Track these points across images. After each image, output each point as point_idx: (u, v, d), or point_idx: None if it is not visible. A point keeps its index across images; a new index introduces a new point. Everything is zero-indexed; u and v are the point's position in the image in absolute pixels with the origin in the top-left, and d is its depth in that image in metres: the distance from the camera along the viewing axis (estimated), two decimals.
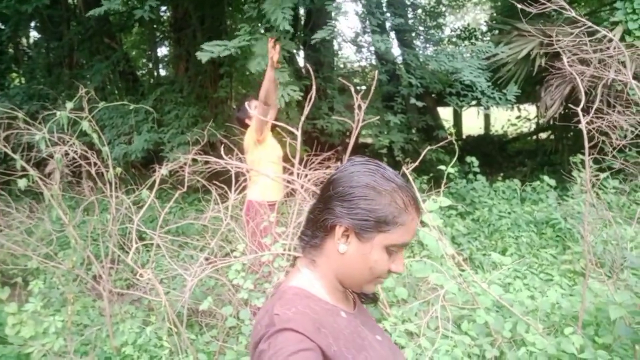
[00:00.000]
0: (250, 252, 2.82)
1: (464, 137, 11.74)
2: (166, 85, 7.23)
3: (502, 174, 6.49)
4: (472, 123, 13.82)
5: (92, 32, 7.96)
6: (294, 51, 6.90)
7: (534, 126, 10.12)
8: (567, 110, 6.18)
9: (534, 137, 10.22)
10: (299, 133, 2.41)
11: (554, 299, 2.42)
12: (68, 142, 2.81)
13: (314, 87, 2.69)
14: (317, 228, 0.93)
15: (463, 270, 2.44)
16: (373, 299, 1.06)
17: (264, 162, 3.24)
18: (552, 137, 8.84)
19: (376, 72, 3.19)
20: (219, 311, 2.83)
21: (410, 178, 2.43)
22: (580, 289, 3.05)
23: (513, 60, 5.93)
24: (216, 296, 3.08)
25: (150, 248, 3.94)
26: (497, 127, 11.73)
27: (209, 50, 3.80)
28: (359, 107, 2.55)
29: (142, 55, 12.78)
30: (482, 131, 13.08)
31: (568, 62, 5.13)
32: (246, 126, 3.54)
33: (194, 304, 3.01)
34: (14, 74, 11.10)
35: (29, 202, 3.44)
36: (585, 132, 2.11)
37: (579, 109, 2.15)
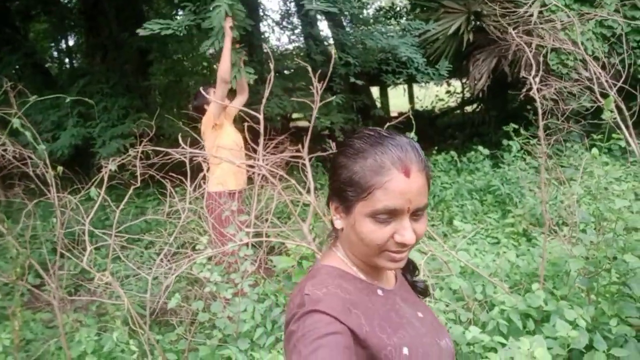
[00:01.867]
0: (214, 244, 2.73)
1: (392, 115, 12.07)
2: (87, 76, 6.73)
3: (436, 148, 6.76)
4: (398, 101, 14.23)
5: None
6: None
7: (459, 100, 10.61)
8: (491, 84, 6.55)
9: (461, 110, 10.72)
10: (261, 116, 2.34)
11: (513, 259, 2.57)
12: None
13: (252, 75, 2.64)
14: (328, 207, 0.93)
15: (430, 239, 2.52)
16: (423, 292, 1.03)
17: (222, 149, 3.13)
18: (478, 109, 9.32)
19: (333, 51, 3.13)
20: (187, 307, 2.73)
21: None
22: (526, 249, 3.29)
23: (443, 37, 6.15)
24: (181, 292, 2.96)
25: (101, 250, 3.71)
26: (424, 103, 12.16)
27: (150, 28, 3.59)
28: (317, 88, 2.51)
29: (48, 48, 11.79)
30: (406, 108, 13.53)
31: (496, 32, 5.40)
32: (204, 112, 3.41)
33: (155, 303, 2.87)
34: None
35: None
36: (538, 99, 2.23)
37: (531, 78, 2.26)
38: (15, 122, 2.59)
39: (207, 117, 3.31)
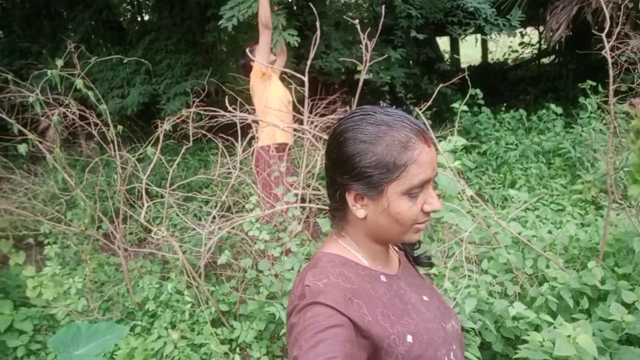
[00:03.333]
0: (263, 204, 2.79)
1: (462, 67, 11.42)
2: (154, 32, 6.90)
3: (505, 104, 6.34)
4: (470, 52, 13.40)
5: None
6: None
7: (536, 52, 9.81)
8: (572, 34, 5.95)
9: (536, 62, 9.92)
10: (305, 78, 2.29)
11: (572, 232, 2.41)
12: (63, 102, 2.70)
13: (294, 37, 2.56)
14: (333, 198, 0.89)
15: (478, 207, 2.42)
16: (429, 263, 1.01)
17: (272, 102, 3.12)
18: (555, 61, 8.59)
19: (383, 6, 2.95)
20: (236, 263, 2.84)
21: (424, 118, 2.34)
22: (593, 219, 3.06)
23: None
24: (231, 248, 3.09)
25: (159, 205, 3.93)
26: (496, 55, 11.38)
27: (231, 15, 3.48)
28: (366, 46, 2.41)
29: (121, 4, 12.14)
30: (479, 60, 12.72)
31: None
32: (250, 70, 3.39)
33: (210, 257, 3.02)
34: None
35: (27, 166, 3.37)
36: (609, 58, 2.00)
37: (603, 35, 2.02)
38: (78, 83, 2.72)
39: (255, 70, 3.28)
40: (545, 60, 9.67)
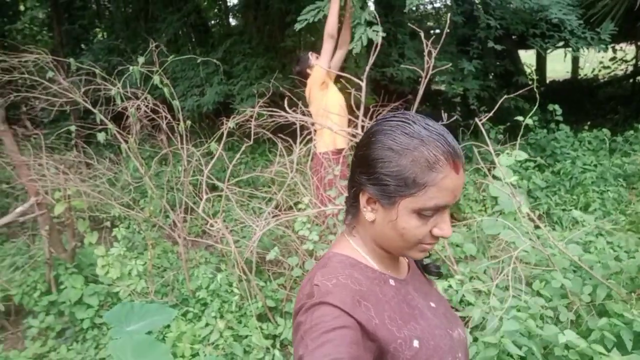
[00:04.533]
0: (316, 205, 2.84)
1: (547, 82, 10.82)
2: (235, 35, 7.24)
3: (589, 123, 5.93)
4: (559, 67, 12.65)
5: None
6: None
7: (631, 68, 9.07)
8: None
9: (631, 80, 9.17)
10: (363, 83, 2.31)
11: None
12: (141, 96, 2.92)
13: (379, 33, 2.56)
14: (349, 195, 0.89)
15: (537, 228, 2.29)
16: (437, 273, 0.99)
17: (332, 108, 3.17)
18: None
19: (449, 15, 2.90)
20: (285, 261, 2.91)
21: (483, 129, 2.26)
22: None
23: None
24: (283, 246, 3.16)
25: (220, 199, 4.11)
26: (586, 71, 10.66)
27: (304, 18, 3.64)
28: (429, 53, 2.38)
29: (213, 6, 12.87)
30: (568, 76, 11.97)
31: None
32: (307, 77, 3.48)
33: (262, 253, 3.12)
34: (97, 29, 11.67)
35: (109, 155, 3.67)
36: None
37: None
38: (156, 79, 2.94)
39: (313, 78, 3.34)
40: None
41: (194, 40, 8.37)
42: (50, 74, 2.90)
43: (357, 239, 0.91)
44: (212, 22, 12.00)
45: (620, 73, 9.33)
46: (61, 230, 3.59)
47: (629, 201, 3.85)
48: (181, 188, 2.95)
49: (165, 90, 3.01)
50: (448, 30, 2.43)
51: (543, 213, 3.86)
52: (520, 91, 3.02)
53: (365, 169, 0.83)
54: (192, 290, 3.14)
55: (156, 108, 2.97)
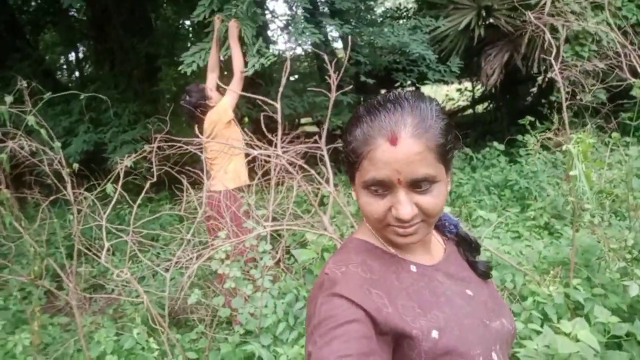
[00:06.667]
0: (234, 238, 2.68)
1: None
2: (99, 82, 6.76)
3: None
4: None
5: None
6: None
7: (470, 100, 10.53)
8: (504, 79, 6.48)
9: (472, 110, 10.63)
10: (278, 105, 2.30)
11: (540, 249, 2.49)
12: (13, 138, 2.52)
13: (288, 62, 2.63)
14: None
15: None
16: (483, 273, 0.93)
17: (236, 142, 3.09)
18: (489, 108, 9.24)
19: (346, 51, 3.07)
20: (203, 305, 2.67)
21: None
22: (549, 242, 3.19)
23: (454, 32, 6.09)
24: (199, 289, 2.91)
25: (118, 253, 3.68)
26: None
27: (192, 61, 3.62)
28: (333, 80, 2.47)
29: (57, 59, 11.90)
30: None
31: (507, 27, 5.32)
32: (202, 112, 3.32)
33: (171, 302, 2.83)
34: None
35: None
36: (561, 82, 2.16)
37: (551, 58, 2.19)
38: (30, 120, 2.57)
39: (219, 113, 3.24)
40: (479, 107, 10.38)
41: (48, 90, 7.59)
42: None
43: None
44: (60, 74, 11.11)
45: (462, 104, 10.75)
46: None
47: (501, 206, 4.36)
48: (73, 240, 2.56)
49: (43, 132, 2.65)
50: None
51: None
52: None
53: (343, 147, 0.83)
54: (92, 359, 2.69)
55: (32, 152, 2.58)
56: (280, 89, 2.43)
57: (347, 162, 0.80)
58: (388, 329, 0.73)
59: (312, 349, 0.70)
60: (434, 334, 0.75)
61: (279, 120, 2.30)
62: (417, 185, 0.75)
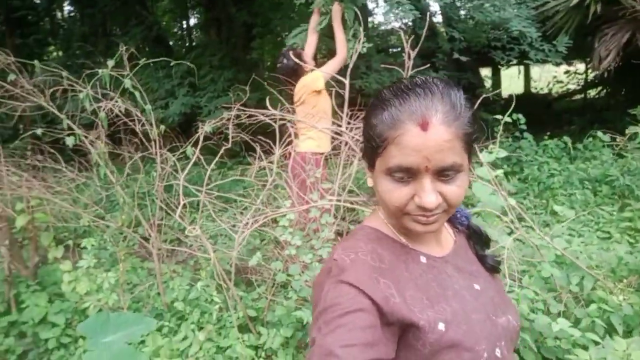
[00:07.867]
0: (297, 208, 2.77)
1: (504, 97, 11.25)
2: (200, 49, 7.18)
3: (548, 133, 6.15)
4: (511, 85, 13.24)
5: (125, 0, 7.94)
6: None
7: (582, 83, 9.57)
8: (621, 63, 5.78)
9: (582, 95, 9.67)
10: (347, 81, 2.30)
11: (621, 254, 2.27)
12: (111, 98, 2.80)
13: (360, 42, 2.61)
14: None
15: (522, 220, 2.31)
16: (492, 267, 0.91)
17: (322, 112, 3.17)
18: (602, 93, 8.34)
19: (407, 38, 2.93)
20: (267, 267, 2.82)
21: None
22: None
23: (565, 8, 5.53)
24: (264, 252, 3.07)
25: (196, 206, 3.97)
26: (539, 85, 11.16)
27: (293, 42, 3.83)
28: (408, 54, 2.40)
29: (172, 25, 12.75)
30: (520, 91, 12.49)
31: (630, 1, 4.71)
32: (298, 76, 3.41)
33: (241, 261, 3.01)
34: (52, 47, 11.29)
35: (78, 161, 3.47)
36: None
37: None
38: (127, 83, 2.82)
39: (311, 81, 3.29)
40: (591, 92, 9.41)
41: (156, 54, 8.22)
42: (12, 77, 2.73)
43: (382, 210, 0.86)
44: (173, 39, 11.90)
45: (572, 87, 9.82)
46: (22, 245, 3.36)
47: (596, 203, 3.99)
48: (156, 195, 2.81)
49: (137, 94, 2.90)
50: (410, 50, 2.48)
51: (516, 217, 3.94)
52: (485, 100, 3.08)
53: (363, 129, 0.81)
54: (166, 303, 2.98)
55: (128, 112, 2.85)
56: (349, 67, 2.41)
57: (369, 147, 0.78)
58: (395, 319, 0.73)
59: (317, 335, 0.71)
60: (441, 326, 0.75)
61: (346, 97, 2.30)
62: (443, 174, 0.73)
